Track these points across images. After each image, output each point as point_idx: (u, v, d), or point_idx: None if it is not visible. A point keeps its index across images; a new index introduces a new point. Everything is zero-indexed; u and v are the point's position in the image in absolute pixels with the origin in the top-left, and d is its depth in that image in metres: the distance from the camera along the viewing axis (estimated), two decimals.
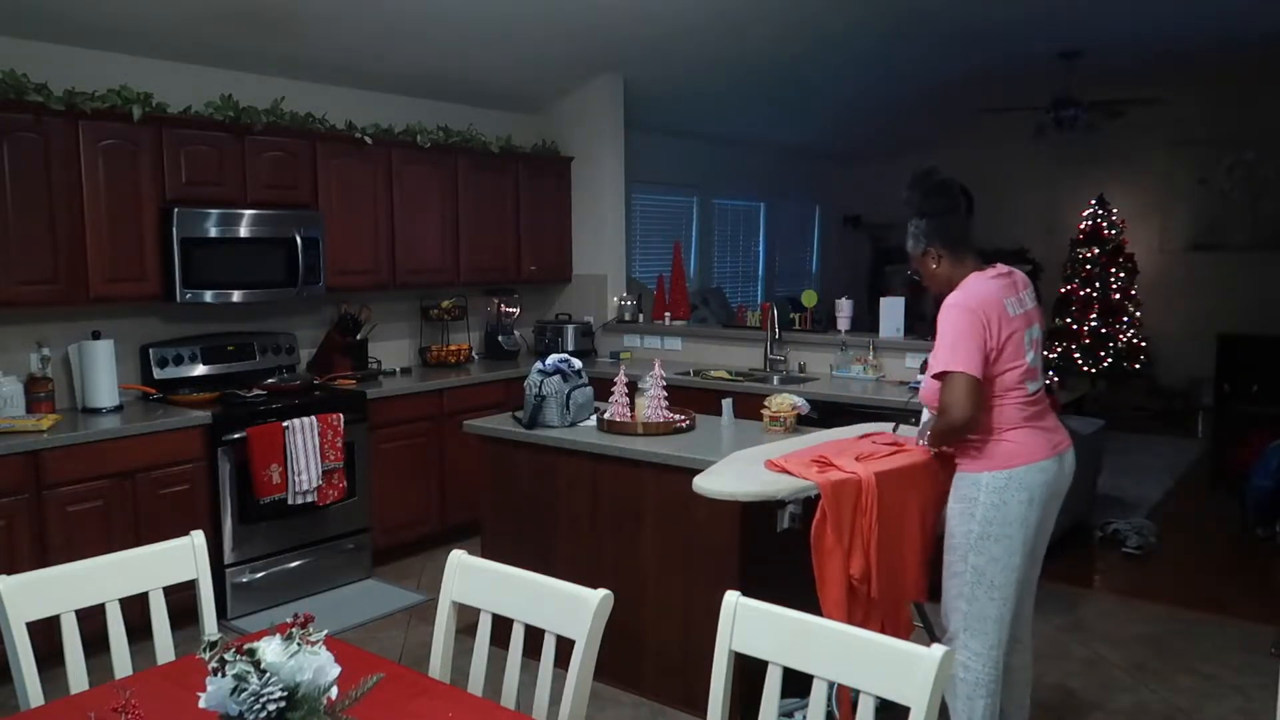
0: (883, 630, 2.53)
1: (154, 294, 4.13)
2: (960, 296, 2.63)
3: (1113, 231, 8.87)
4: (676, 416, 3.61)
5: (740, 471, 2.86)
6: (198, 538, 2.22)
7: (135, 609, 2.10)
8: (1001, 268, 2.74)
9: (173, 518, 3.85)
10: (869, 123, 8.76)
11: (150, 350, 4.33)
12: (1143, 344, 8.86)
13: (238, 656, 1.30)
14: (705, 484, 2.79)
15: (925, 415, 2.92)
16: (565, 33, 5.26)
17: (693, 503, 3.19)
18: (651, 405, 3.59)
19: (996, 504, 2.59)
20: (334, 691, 1.35)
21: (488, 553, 3.64)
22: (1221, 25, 6.58)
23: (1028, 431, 2.62)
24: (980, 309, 2.58)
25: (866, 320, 5.75)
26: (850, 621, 2.47)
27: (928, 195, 2.78)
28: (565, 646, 1.88)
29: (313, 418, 4.24)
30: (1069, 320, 8.97)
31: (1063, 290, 9.09)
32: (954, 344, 2.56)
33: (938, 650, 1.56)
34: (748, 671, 1.89)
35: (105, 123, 3.91)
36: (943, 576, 2.70)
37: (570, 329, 5.95)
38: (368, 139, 4.91)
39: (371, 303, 5.18)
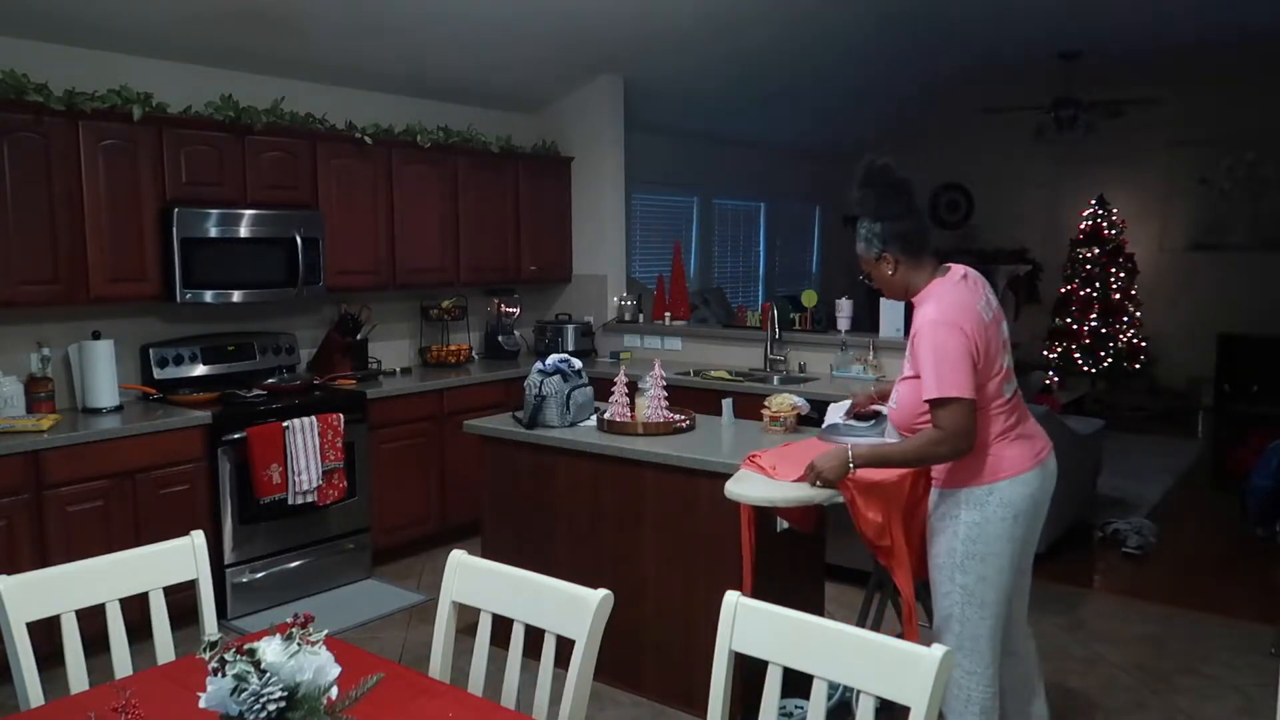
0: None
1: (154, 294, 4.13)
2: (939, 311, 2.43)
3: (1113, 231, 8.86)
4: (676, 416, 3.61)
5: (770, 477, 2.78)
6: (198, 538, 2.22)
7: (135, 609, 2.10)
8: (957, 269, 2.57)
9: (173, 518, 3.85)
10: (869, 123, 8.75)
11: (150, 350, 4.33)
12: (1143, 344, 8.86)
13: (238, 656, 1.30)
14: (739, 490, 2.70)
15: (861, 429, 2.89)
16: (565, 33, 5.26)
17: (693, 503, 3.20)
18: (651, 405, 3.58)
19: (978, 521, 2.46)
20: (334, 691, 1.36)
21: (488, 553, 3.64)
22: (1221, 24, 6.58)
23: (1009, 443, 2.48)
24: (964, 323, 2.39)
25: (866, 320, 5.75)
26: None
27: (884, 196, 2.56)
28: (565, 646, 1.88)
29: (313, 418, 4.24)
30: (1069, 320, 8.96)
31: (1063, 290, 9.08)
32: (953, 365, 2.36)
33: (938, 650, 1.56)
34: (748, 671, 1.89)
35: (105, 123, 3.91)
36: (932, 596, 2.61)
37: (570, 329, 5.95)
38: (368, 139, 4.90)
39: (371, 303, 5.17)
